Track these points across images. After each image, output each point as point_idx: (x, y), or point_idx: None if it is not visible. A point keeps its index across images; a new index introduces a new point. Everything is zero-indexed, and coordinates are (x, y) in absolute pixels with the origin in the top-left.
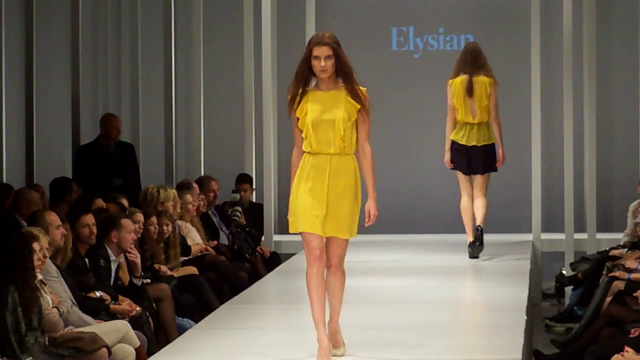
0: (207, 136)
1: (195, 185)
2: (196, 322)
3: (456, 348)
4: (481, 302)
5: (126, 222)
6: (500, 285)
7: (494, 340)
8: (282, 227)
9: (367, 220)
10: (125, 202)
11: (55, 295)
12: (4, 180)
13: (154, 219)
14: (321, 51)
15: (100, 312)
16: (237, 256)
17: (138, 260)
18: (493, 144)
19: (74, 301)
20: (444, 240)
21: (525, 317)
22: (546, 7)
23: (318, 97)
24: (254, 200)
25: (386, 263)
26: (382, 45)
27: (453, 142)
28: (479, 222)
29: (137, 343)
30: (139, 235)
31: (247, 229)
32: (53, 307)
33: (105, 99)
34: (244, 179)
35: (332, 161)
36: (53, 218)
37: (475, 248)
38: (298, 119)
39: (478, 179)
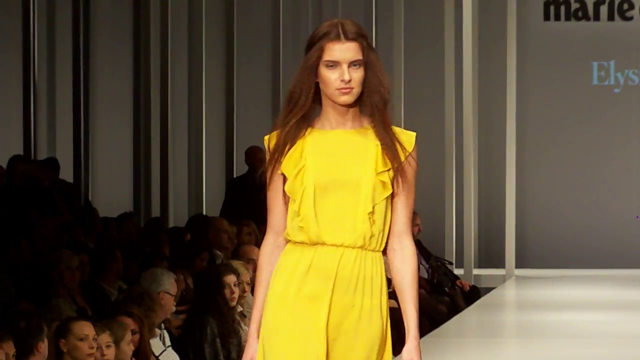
0: None
1: None
2: (395, 355)
3: None
4: None
5: None
6: None
7: None
8: (482, 260)
9: None
10: None
11: None
12: (204, 212)
13: None
14: (343, 52)
15: None
16: (437, 290)
17: None
18: None
19: None
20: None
21: None
22: None
23: (326, 141)
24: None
25: (585, 297)
26: (582, 80)
27: None
28: None
29: None
30: None
31: (447, 262)
32: None
33: None
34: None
35: (344, 260)
36: (256, 252)
37: None
38: (284, 179)
39: None
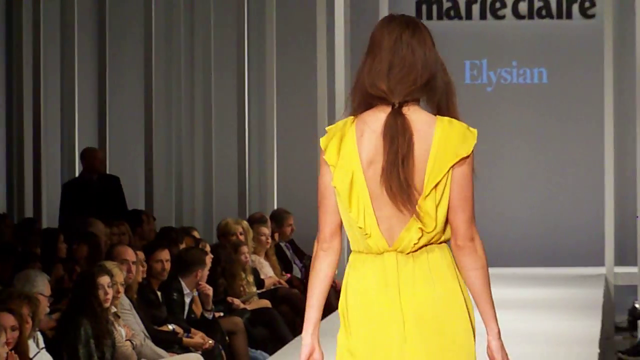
0: (280, 168)
1: (267, 218)
2: (269, 355)
3: None
4: (554, 334)
5: (208, 260)
6: (573, 319)
7: None
8: None
9: None
10: (197, 234)
11: (128, 328)
12: None
13: (242, 248)
14: None
15: (173, 345)
16: None
17: (210, 293)
18: None
19: (147, 334)
20: (516, 273)
21: (598, 350)
22: (619, 40)
23: None
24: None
25: None
26: (455, 78)
27: None
28: None
29: None
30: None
31: None
32: (126, 340)
33: (178, 131)
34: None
35: None
36: (130, 253)
37: None
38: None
39: None
